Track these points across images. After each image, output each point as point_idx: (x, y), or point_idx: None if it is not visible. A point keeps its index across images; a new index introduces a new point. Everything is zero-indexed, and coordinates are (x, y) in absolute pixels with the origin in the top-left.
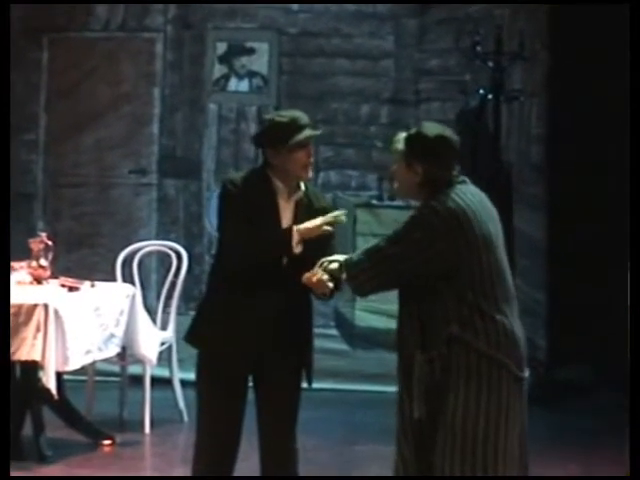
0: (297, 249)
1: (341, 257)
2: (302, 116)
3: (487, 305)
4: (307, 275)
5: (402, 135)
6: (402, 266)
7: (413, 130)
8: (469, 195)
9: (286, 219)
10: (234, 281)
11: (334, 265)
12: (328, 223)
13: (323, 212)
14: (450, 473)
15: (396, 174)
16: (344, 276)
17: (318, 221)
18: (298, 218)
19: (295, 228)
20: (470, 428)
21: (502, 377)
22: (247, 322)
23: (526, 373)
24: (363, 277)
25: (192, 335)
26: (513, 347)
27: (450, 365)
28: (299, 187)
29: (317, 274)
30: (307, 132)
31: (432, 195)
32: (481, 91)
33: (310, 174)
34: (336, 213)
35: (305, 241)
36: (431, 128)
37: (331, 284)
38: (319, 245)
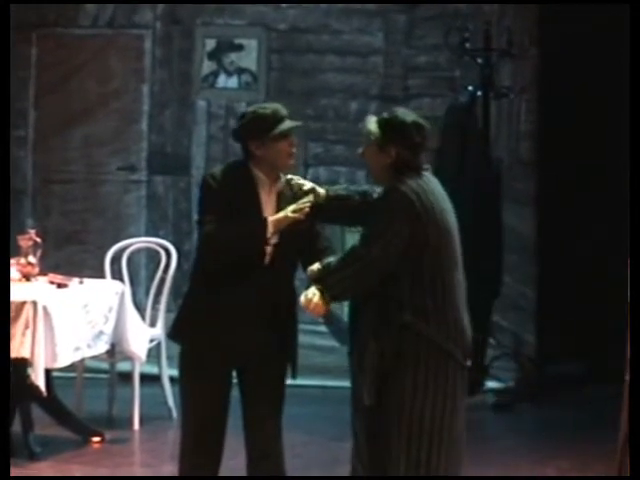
0: (273, 240)
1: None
2: (282, 108)
3: (442, 293)
4: (302, 301)
5: (373, 118)
6: (387, 263)
7: (388, 114)
8: (431, 184)
9: (269, 211)
10: (216, 275)
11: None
12: (295, 211)
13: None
14: (396, 460)
15: (366, 156)
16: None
17: (287, 210)
18: (281, 209)
19: (269, 219)
20: (417, 417)
21: (449, 366)
22: (229, 316)
23: (469, 362)
24: (342, 286)
25: (175, 330)
26: (461, 337)
27: (400, 353)
28: (280, 178)
29: (312, 299)
30: (289, 122)
31: (399, 179)
32: (470, 87)
33: (292, 162)
34: (303, 200)
35: (281, 232)
36: (407, 114)
37: (324, 307)
38: (296, 235)
